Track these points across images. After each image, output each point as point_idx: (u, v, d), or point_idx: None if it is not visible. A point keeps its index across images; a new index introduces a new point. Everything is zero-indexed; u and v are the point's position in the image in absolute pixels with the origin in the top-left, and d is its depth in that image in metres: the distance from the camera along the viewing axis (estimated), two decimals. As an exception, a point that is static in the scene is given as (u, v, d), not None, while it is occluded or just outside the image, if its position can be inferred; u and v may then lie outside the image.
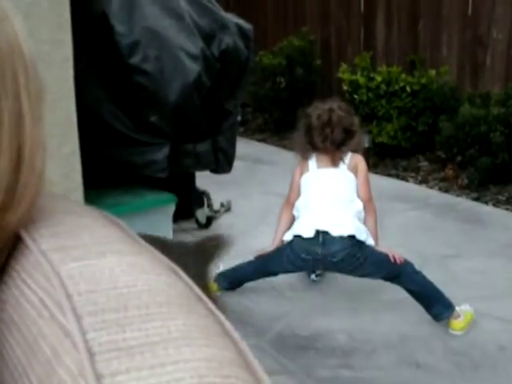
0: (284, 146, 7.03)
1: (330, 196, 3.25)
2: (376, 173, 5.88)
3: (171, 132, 3.65)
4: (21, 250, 0.50)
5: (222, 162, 3.97)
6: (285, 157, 6.49)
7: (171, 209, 3.85)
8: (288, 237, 3.27)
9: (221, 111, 3.87)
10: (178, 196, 3.90)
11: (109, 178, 3.73)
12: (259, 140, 7.40)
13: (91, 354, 0.39)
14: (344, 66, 6.46)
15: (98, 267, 0.46)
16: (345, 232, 3.10)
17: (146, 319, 0.42)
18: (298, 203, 3.37)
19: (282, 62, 7.13)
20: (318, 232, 3.11)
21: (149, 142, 3.63)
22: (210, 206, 4.45)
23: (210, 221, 4.46)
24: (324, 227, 3.12)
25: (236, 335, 0.43)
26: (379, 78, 6.07)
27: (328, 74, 7.23)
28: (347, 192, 3.31)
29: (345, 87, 6.39)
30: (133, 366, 0.38)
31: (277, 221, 3.46)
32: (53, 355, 0.41)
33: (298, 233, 3.19)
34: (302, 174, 3.43)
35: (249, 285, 3.51)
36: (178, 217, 4.45)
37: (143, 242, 0.53)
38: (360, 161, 3.43)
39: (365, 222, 3.30)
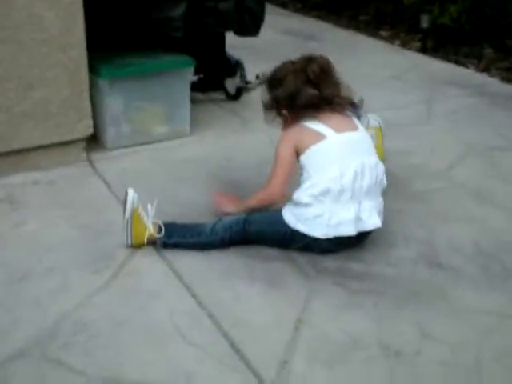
0: (340, 25, 6.63)
1: None
2: (435, 57, 5.44)
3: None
4: None
5: (247, 23, 3.63)
6: (338, 34, 6.12)
7: (188, 72, 3.54)
8: None
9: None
10: (206, 63, 3.66)
11: (127, 39, 3.54)
12: (315, 17, 7.00)
13: None
14: None
15: None
16: None
17: None
18: None
19: None
20: None
21: (166, -3, 3.34)
22: (242, 76, 4.08)
23: (240, 92, 4.12)
24: None
25: None
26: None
27: None
28: None
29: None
30: None
31: None
32: None
33: None
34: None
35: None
36: (207, 86, 4.24)
37: None
38: None
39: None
